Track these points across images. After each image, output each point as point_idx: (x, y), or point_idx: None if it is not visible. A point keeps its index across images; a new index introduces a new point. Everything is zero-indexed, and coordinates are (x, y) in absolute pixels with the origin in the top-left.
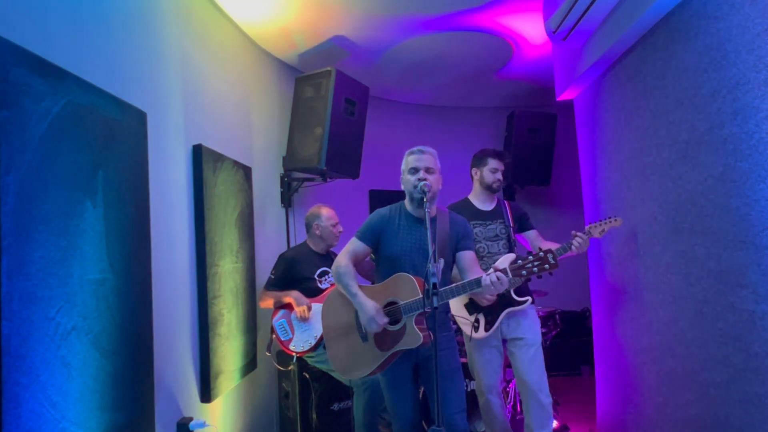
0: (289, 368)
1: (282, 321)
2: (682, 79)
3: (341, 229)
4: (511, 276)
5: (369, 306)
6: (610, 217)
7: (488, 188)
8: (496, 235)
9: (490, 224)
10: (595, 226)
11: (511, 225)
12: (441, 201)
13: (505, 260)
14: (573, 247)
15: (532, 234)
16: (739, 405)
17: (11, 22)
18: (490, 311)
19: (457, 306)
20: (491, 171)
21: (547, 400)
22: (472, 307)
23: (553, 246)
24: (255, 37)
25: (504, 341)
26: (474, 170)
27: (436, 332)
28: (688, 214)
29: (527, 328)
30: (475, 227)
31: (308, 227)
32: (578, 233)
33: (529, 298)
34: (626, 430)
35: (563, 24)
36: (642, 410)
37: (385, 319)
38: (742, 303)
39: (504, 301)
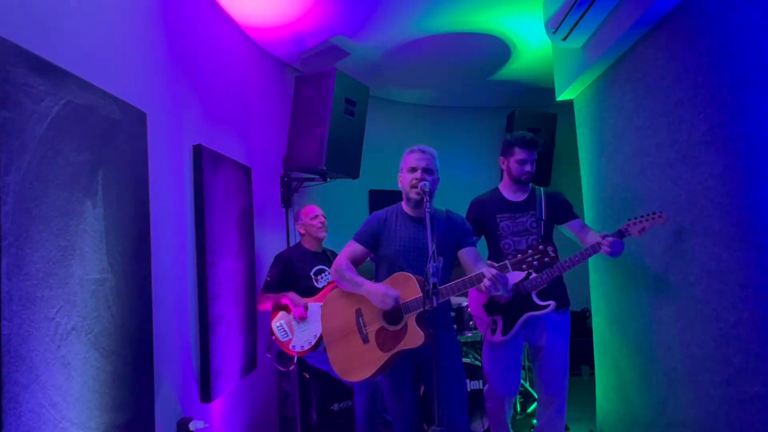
0: (290, 369)
1: (281, 322)
2: (682, 79)
3: (323, 219)
4: (511, 270)
5: (378, 287)
6: (653, 213)
7: (516, 181)
8: (526, 230)
9: (519, 217)
10: (634, 224)
11: (544, 218)
12: (442, 201)
13: (513, 276)
14: (603, 249)
15: (575, 225)
16: (739, 405)
17: (11, 22)
18: (509, 314)
19: (476, 305)
20: (518, 162)
21: (562, 414)
22: (491, 308)
23: (597, 237)
24: (255, 37)
25: (528, 346)
26: (501, 159)
27: (437, 332)
28: (688, 214)
29: (553, 337)
30: (501, 221)
31: (298, 229)
32: (608, 236)
33: (552, 303)
34: (626, 430)
35: (563, 24)
36: (642, 410)
37: (398, 291)
38: (742, 303)
39: (524, 303)
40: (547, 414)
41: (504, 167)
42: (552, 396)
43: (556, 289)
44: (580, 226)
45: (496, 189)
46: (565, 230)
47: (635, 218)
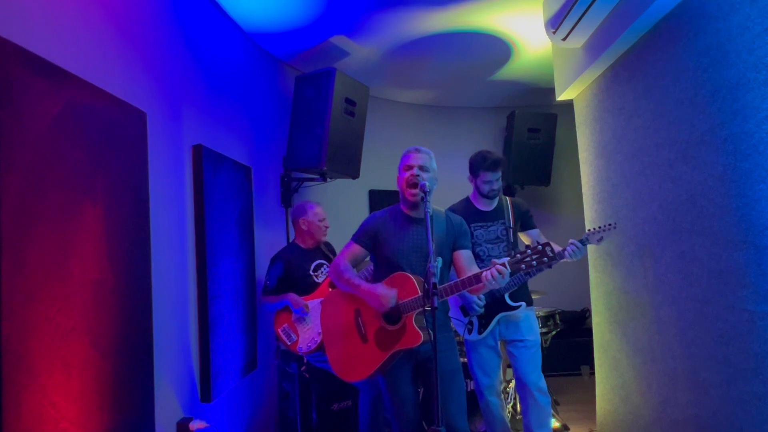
0: (302, 369)
1: (284, 326)
2: (682, 79)
3: (328, 224)
4: (509, 270)
5: (376, 288)
6: (609, 224)
7: (484, 196)
8: (497, 237)
9: (490, 226)
10: (593, 234)
11: (512, 226)
12: (442, 201)
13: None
14: (567, 254)
15: (533, 233)
16: (739, 405)
17: (11, 22)
18: (483, 314)
19: (453, 307)
20: (485, 182)
21: (545, 399)
22: (466, 309)
23: (557, 246)
24: (255, 37)
25: (503, 341)
26: (470, 177)
27: (436, 332)
28: (688, 214)
29: (526, 330)
30: (475, 230)
31: (294, 222)
32: (573, 241)
33: (523, 303)
34: (626, 430)
35: (563, 24)
36: (642, 410)
37: (395, 290)
38: (742, 303)
39: (497, 305)
40: (531, 405)
41: (472, 184)
42: (530, 385)
43: (523, 291)
44: (538, 234)
45: (468, 199)
46: (523, 237)
47: (595, 228)
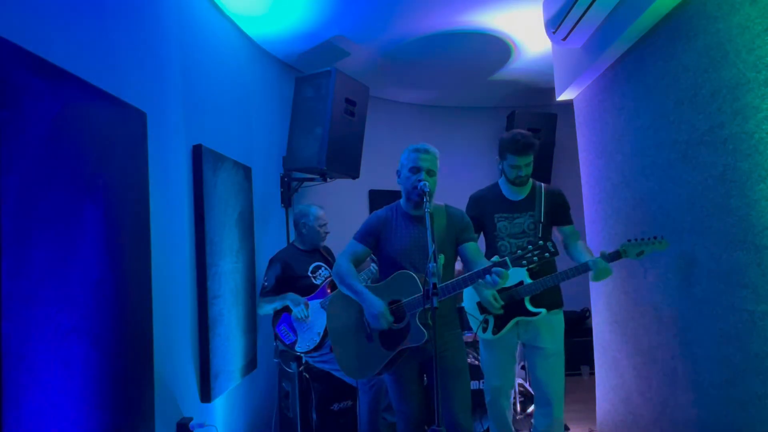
0: (300, 368)
1: (283, 325)
2: (682, 79)
3: (328, 230)
4: (511, 267)
5: (376, 303)
6: (655, 237)
7: (511, 183)
8: (523, 232)
9: (517, 218)
10: (632, 246)
11: (542, 220)
12: (440, 201)
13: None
14: (592, 276)
15: (566, 231)
16: (739, 405)
17: (11, 22)
18: (500, 315)
19: (469, 303)
20: (512, 167)
21: (559, 414)
22: (483, 306)
23: (588, 254)
24: (255, 37)
25: (522, 344)
26: (497, 159)
27: (442, 331)
28: (688, 214)
29: (547, 337)
30: (499, 221)
31: (296, 224)
32: (604, 256)
33: (543, 310)
34: (626, 430)
35: (563, 24)
36: (642, 410)
37: (391, 318)
38: (742, 303)
39: (516, 307)
40: (544, 414)
41: (499, 167)
42: (548, 395)
43: (549, 292)
44: (571, 232)
45: (496, 185)
46: (557, 233)
47: (634, 240)
